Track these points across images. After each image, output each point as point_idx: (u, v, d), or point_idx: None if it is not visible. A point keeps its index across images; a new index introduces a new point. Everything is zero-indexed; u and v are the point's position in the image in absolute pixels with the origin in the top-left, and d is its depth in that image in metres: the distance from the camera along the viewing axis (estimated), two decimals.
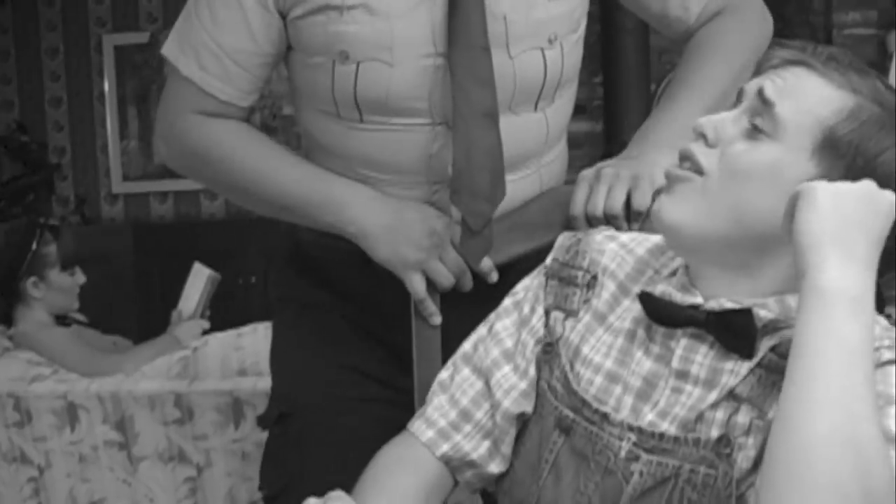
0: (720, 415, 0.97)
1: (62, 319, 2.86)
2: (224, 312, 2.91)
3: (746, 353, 0.97)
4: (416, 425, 1.15)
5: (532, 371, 1.11)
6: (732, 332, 0.97)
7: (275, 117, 5.69)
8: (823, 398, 0.81)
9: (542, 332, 1.13)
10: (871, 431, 0.81)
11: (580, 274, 1.14)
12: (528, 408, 1.10)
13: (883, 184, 0.93)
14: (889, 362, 0.90)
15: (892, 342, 0.93)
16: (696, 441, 0.96)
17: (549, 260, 1.18)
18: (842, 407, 0.81)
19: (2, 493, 2.29)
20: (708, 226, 0.99)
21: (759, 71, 1.04)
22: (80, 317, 2.99)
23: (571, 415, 1.04)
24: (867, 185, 0.91)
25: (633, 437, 0.99)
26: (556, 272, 1.16)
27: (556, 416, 1.05)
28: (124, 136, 5.77)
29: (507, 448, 1.11)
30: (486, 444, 1.11)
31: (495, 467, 1.12)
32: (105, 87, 5.77)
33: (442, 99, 1.29)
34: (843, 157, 0.97)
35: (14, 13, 5.87)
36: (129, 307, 5.03)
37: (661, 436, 0.98)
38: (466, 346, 1.18)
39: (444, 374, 1.18)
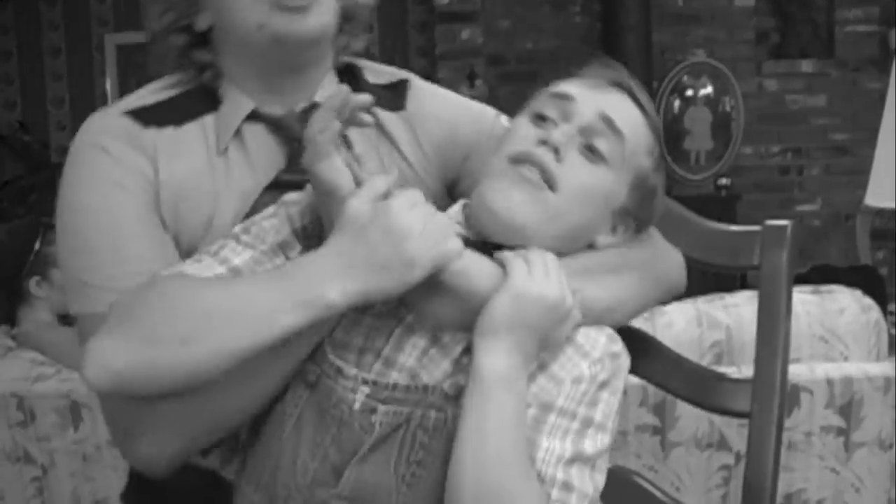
0: (446, 361, 1.03)
1: (66, 319, 2.86)
2: None
3: None
4: None
5: None
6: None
7: None
8: (473, 458, 0.96)
9: None
10: (510, 492, 0.96)
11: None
12: None
13: (650, 223, 1.12)
14: (603, 385, 1.02)
15: (610, 363, 1.03)
16: (426, 388, 1.01)
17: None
18: (488, 469, 0.96)
19: (5, 493, 2.30)
20: (545, 232, 1.04)
21: (583, 77, 1.13)
22: None
23: (317, 369, 1.05)
24: (558, 292, 0.99)
25: (367, 390, 1.02)
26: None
27: (304, 371, 1.06)
28: None
29: None
30: None
31: None
32: (107, 87, 5.77)
33: None
34: (644, 194, 1.10)
35: (16, 13, 5.87)
36: None
37: (394, 386, 1.02)
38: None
39: None
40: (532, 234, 1.03)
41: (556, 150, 1.04)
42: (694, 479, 1.90)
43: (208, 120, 1.20)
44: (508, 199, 1.04)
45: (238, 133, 1.19)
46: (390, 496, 1.00)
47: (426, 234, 0.98)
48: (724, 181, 5.17)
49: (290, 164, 1.18)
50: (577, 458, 1.00)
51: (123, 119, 1.17)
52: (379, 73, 1.31)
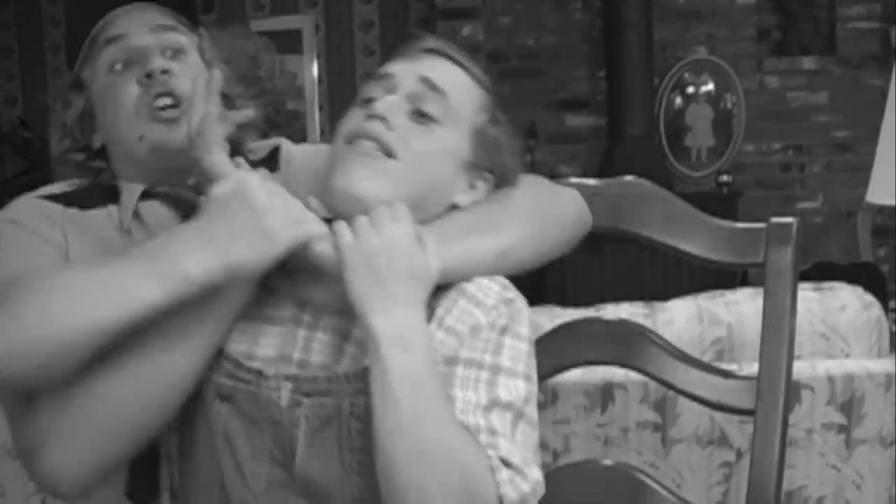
0: (351, 346, 1.05)
1: None
2: None
3: None
4: None
5: None
6: None
7: (278, 112, 5.69)
8: (394, 425, 0.95)
9: None
10: (443, 445, 0.95)
11: None
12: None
13: (509, 173, 1.15)
14: (504, 330, 1.04)
15: (505, 308, 1.06)
16: (346, 376, 1.03)
17: None
18: (413, 431, 0.95)
19: (7, 490, 2.30)
20: (396, 199, 1.06)
21: (404, 57, 1.15)
22: None
23: (229, 382, 1.06)
24: (389, 237, 1.01)
25: (290, 385, 1.04)
26: None
27: (215, 389, 1.07)
28: None
29: None
30: None
31: None
32: None
33: None
34: (488, 145, 1.14)
35: (17, 10, 5.87)
36: None
37: (315, 378, 1.04)
38: None
39: None
40: (384, 203, 1.05)
41: (383, 119, 1.08)
42: (695, 475, 1.91)
43: (112, 208, 1.30)
44: (352, 177, 1.07)
45: (137, 214, 1.27)
46: (344, 487, 1.01)
47: (285, 211, 1.03)
48: (725, 178, 5.16)
49: None
50: (495, 405, 1.01)
51: (36, 200, 1.30)
52: (256, 151, 1.40)
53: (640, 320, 1.93)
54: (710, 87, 5.36)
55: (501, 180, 1.17)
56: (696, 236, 1.27)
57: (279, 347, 1.07)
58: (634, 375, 1.87)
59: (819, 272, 4.49)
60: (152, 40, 1.30)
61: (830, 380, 1.86)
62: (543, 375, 1.33)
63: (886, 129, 2.02)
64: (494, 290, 1.08)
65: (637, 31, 5.07)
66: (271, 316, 1.10)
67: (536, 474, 1.00)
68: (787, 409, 1.23)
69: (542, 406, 1.91)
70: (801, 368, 1.88)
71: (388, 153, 1.08)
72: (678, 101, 5.37)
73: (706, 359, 1.87)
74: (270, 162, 1.37)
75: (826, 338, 1.96)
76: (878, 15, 5.29)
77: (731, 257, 1.27)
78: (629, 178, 1.32)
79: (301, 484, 1.04)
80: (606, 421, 1.91)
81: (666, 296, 2.10)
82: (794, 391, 1.86)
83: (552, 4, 5.45)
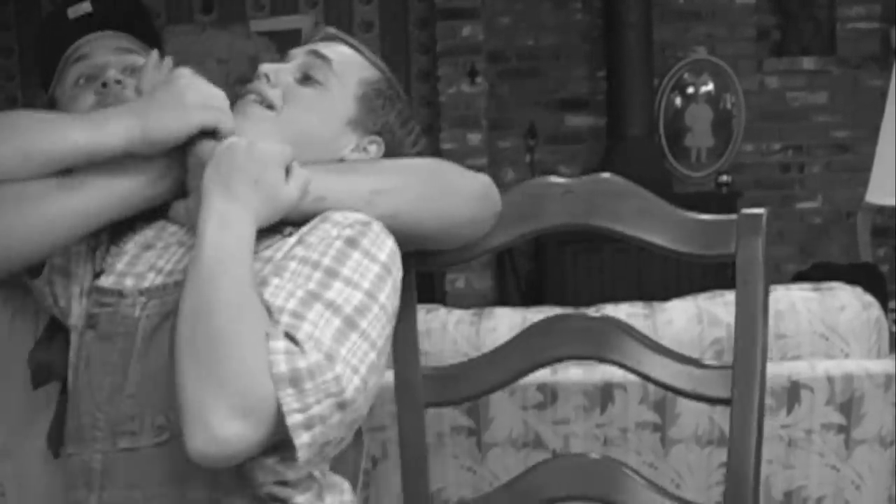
0: None
1: None
2: None
3: None
4: None
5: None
6: None
7: None
8: (189, 284, 1.02)
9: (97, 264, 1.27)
10: (221, 306, 0.99)
11: None
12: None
13: (402, 144, 1.27)
14: (352, 242, 1.08)
15: (360, 226, 1.11)
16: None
17: None
18: (201, 289, 1.01)
19: (6, 489, 2.30)
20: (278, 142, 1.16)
21: (304, 43, 1.29)
22: None
23: (96, 309, 1.19)
24: (252, 146, 1.10)
25: (144, 299, 1.15)
26: None
27: (84, 319, 1.20)
28: None
29: None
30: None
31: None
32: None
33: None
34: (373, 110, 1.26)
35: (17, 10, 5.87)
36: None
37: (165, 286, 1.15)
38: None
39: None
40: None
41: (267, 78, 1.22)
42: (694, 475, 1.91)
43: None
44: (241, 127, 1.18)
45: None
46: (171, 376, 1.02)
47: (204, 95, 1.17)
48: (724, 178, 5.16)
49: None
50: (316, 299, 1.02)
51: None
52: None
53: (640, 321, 1.94)
54: (710, 87, 5.36)
55: (395, 152, 1.27)
56: (667, 229, 1.28)
57: (149, 262, 1.20)
58: (634, 376, 1.88)
59: (818, 272, 4.50)
60: (113, 59, 1.46)
61: (830, 380, 1.86)
62: (524, 372, 1.34)
63: (886, 130, 2.02)
64: (355, 216, 1.13)
65: (637, 32, 5.07)
66: (148, 241, 1.24)
67: (339, 370, 0.99)
68: (763, 398, 1.24)
69: (541, 406, 1.92)
70: (800, 369, 1.88)
71: (269, 105, 1.21)
72: (678, 101, 5.37)
73: (706, 359, 1.88)
74: None
75: (825, 338, 1.96)
76: (878, 15, 5.29)
77: (704, 249, 1.27)
78: (603, 174, 1.34)
79: (132, 385, 1.11)
80: (606, 421, 1.91)
81: (665, 296, 2.10)
82: (793, 391, 1.87)
83: (552, 4, 5.45)
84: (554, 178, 1.35)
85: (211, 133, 1.16)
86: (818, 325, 1.96)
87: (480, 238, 1.31)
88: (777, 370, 1.87)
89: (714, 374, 1.26)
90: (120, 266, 1.22)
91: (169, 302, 1.11)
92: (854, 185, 5.10)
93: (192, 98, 1.16)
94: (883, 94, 2.35)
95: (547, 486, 1.32)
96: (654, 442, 1.91)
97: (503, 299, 5.31)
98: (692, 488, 1.89)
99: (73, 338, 1.24)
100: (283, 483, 1.07)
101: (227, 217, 1.05)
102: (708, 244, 1.27)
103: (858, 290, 2.03)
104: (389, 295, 1.09)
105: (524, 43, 5.47)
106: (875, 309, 2.00)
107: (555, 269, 4.96)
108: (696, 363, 1.29)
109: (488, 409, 1.93)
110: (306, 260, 1.06)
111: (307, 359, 0.97)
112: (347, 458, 1.18)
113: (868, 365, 1.89)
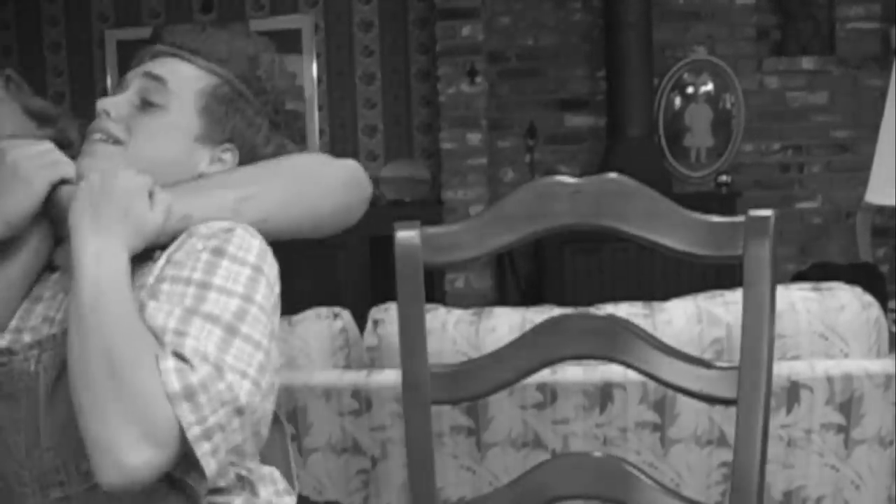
0: None
1: None
2: None
3: None
4: None
5: None
6: None
7: (277, 112, 5.69)
8: (74, 321, 1.04)
9: None
10: (110, 336, 1.01)
11: None
12: None
13: (257, 146, 1.29)
14: (218, 251, 1.10)
15: (223, 234, 1.12)
16: None
17: None
18: (87, 325, 1.02)
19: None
20: None
21: (137, 63, 1.30)
22: None
23: None
24: (114, 179, 1.10)
25: (36, 352, 1.14)
26: None
27: None
28: None
29: None
30: None
31: None
32: (108, 83, 5.77)
33: None
34: (217, 120, 1.27)
35: (16, 9, 5.87)
36: None
37: (54, 337, 1.13)
38: None
39: None
40: None
41: (107, 113, 1.23)
42: (694, 475, 1.91)
43: None
44: (92, 167, 1.18)
45: None
46: None
47: (39, 158, 1.15)
48: (724, 178, 5.16)
49: None
50: (193, 314, 1.05)
51: None
52: None
53: (640, 320, 1.94)
54: (710, 87, 5.36)
55: (251, 154, 1.29)
56: (675, 230, 1.28)
57: (44, 315, 1.19)
58: (633, 375, 1.88)
59: (818, 272, 4.50)
60: None
61: (829, 380, 1.86)
62: (530, 370, 1.34)
63: (886, 130, 2.02)
64: (219, 225, 1.14)
65: (636, 32, 5.07)
66: (43, 295, 1.22)
67: (229, 378, 1.02)
68: (769, 399, 1.24)
69: (541, 406, 1.92)
70: (800, 369, 1.88)
71: (115, 141, 1.22)
72: (677, 101, 5.37)
73: (705, 358, 1.87)
74: None
75: (825, 338, 1.96)
76: (878, 15, 5.29)
77: (711, 250, 1.27)
78: (612, 174, 1.33)
79: (48, 438, 1.10)
80: (605, 421, 1.91)
81: (665, 296, 2.10)
82: (792, 391, 1.86)
83: (552, 4, 5.45)
84: (562, 178, 1.34)
85: (59, 181, 1.17)
86: (818, 325, 1.96)
87: (354, 223, 1.36)
88: (777, 370, 1.86)
89: (720, 374, 1.26)
90: (14, 323, 1.20)
91: (63, 351, 1.09)
92: (854, 185, 5.10)
93: (27, 168, 1.14)
94: (882, 94, 2.35)
95: (553, 485, 1.32)
96: (653, 442, 1.91)
97: (503, 299, 5.31)
98: (691, 488, 1.89)
99: None
100: (218, 491, 1.11)
101: (101, 252, 1.06)
102: (716, 246, 1.27)
103: (858, 290, 2.03)
104: (265, 293, 1.11)
105: (524, 43, 5.47)
106: (874, 309, 2.00)
107: (554, 268, 4.96)
108: (702, 363, 1.29)
109: (488, 408, 1.93)
110: (177, 278, 1.09)
111: (197, 373, 1.00)
112: (274, 444, 1.23)
113: (867, 365, 1.89)
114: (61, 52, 5.89)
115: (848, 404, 1.86)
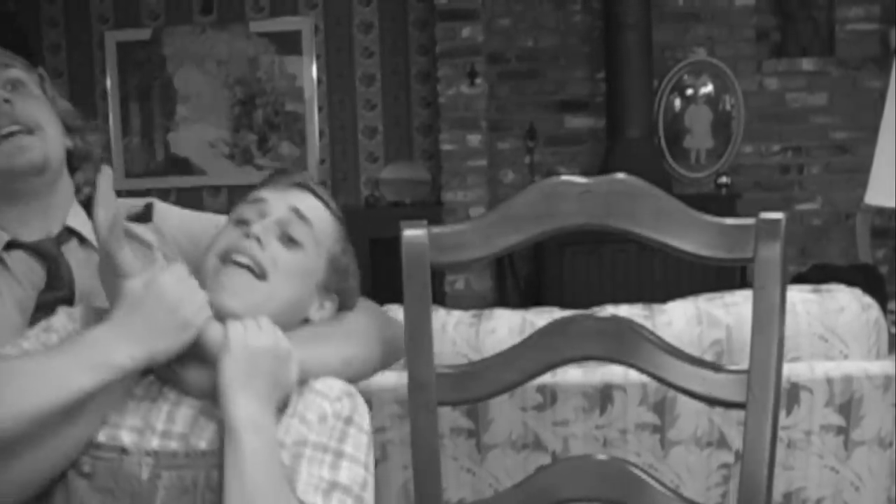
0: (211, 423, 1.19)
1: None
2: None
3: None
4: None
5: None
6: None
7: (277, 114, 5.70)
8: (238, 493, 1.11)
9: None
10: None
11: None
12: None
13: (351, 296, 1.38)
14: (348, 420, 1.22)
15: (347, 399, 1.23)
16: (203, 452, 1.18)
17: None
18: (253, 497, 1.11)
19: None
20: (263, 313, 1.24)
21: (268, 184, 1.34)
22: None
23: (90, 459, 1.18)
24: (273, 340, 1.18)
25: (151, 461, 1.17)
26: None
27: (76, 464, 1.18)
28: (126, 132, 5.78)
29: None
30: None
31: None
32: (107, 84, 5.77)
33: None
34: (339, 271, 1.34)
35: (16, 9, 5.87)
36: None
37: (174, 454, 1.17)
38: None
39: None
40: (253, 315, 1.22)
41: (258, 240, 1.25)
42: (693, 477, 1.91)
43: None
44: (228, 293, 1.23)
45: (2, 261, 1.41)
46: None
47: (192, 301, 1.17)
48: (724, 180, 5.17)
49: (50, 282, 1.40)
50: (335, 488, 1.17)
51: None
52: (124, 204, 1.52)
53: (640, 322, 1.93)
54: (710, 88, 5.36)
55: (344, 303, 1.37)
56: (686, 233, 1.27)
57: (144, 418, 1.20)
58: (633, 377, 1.88)
59: (818, 273, 4.50)
60: None
61: (829, 381, 1.86)
62: (536, 372, 1.34)
63: (885, 131, 2.02)
64: (338, 386, 1.25)
65: (636, 33, 5.07)
66: (136, 393, 1.23)
67: None
68: (778, 402, 1.24)
69: (540, 407, 1.92)
70: (799, 370, 1.88)
71: (260, 273, 1.25)
72: (677, 102, 5.37)
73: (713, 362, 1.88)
74: (144, 216, 1.52)
75: (825, 339, 1.96)
76: (877, 16, 5.29)
77: (722, 253, 1.28)
78: (620, 175, 1.33)
79: None
80: (605, 422, 1.91)
81: (665, 297, 2.10)
82: (792, 393, 1.86)
83: (552, 6, 5.45)
84: (570, 178, 1.34)
85: None
86: (817, 326, 1.96)
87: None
88: None
89: (729, 377, 1.26)
90: (112, 418, 1.21)
91: (187, 477, 1.16)
92: (853, 187, 5.10)
93: (185, 313, 1.17)
94: (882, 95, 2.35)
95: (557, 488, 1.32)
96: (653, 443, 1.91)
97: (502, 300, 5.31)
98: (691, 490, 1.89)
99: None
100: None
101: (258, 420, 1.14)
102: (726, 248, 1.27)
103: (857, 292, 2.03)
104: (371, 453, 1.25)
105: (524, 44, 5.47)
106: (874, 310, 2.00)
107: (554, 270, 4.96)
108: (711, 366, 1.28)
109: (487, 410, 1.93)
110: (317, 445, 1.19)
111: None
112: None
113: (867, 366, 1.89)
114: (61, 53, 5.89)
115: (847, 406, 1.86)
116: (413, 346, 1.34)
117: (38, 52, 5.72)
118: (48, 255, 1.42)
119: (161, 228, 1.52)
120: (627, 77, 5.07)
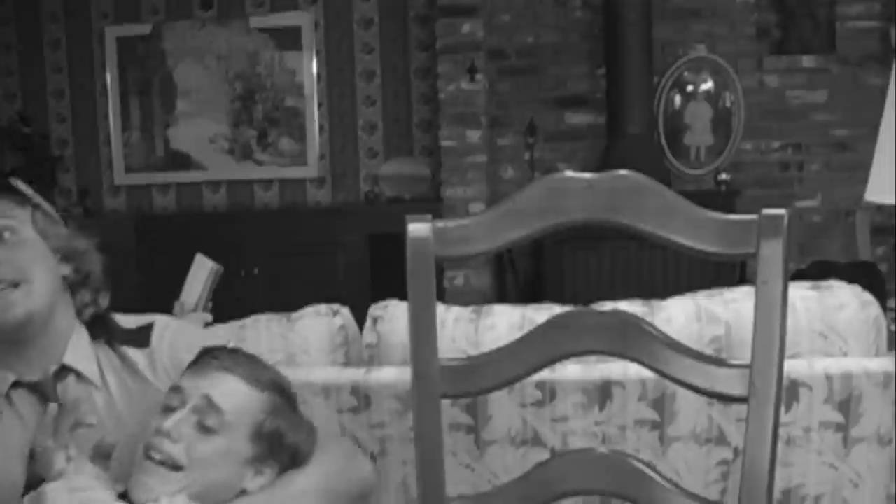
0: None
1: None
2: (225, 304, 2.92)
3: None
4: None
5: None
6: None
7: (277, 109, 5.69)
8: None
9: None
10: None
11: None
12: None
13: (298, 453, 1.38)
14: None
15: None
16: None
17: None
18: None
19: None
20: (179, 495, 1.29)
21: (193, 369, 1.36)
22: None
23: None
24: None
25: None
26: None
27: None
28: (126, 127, 5.77)
29: None
30: None
31: None
32: (107, 79, 5.77)
33: None
34: (269, 438, 1.35)
35: (16, 5, 5.87)
36: (131, 299, 5.04)
37: None
38: None
39: None
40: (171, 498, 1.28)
41: (168, 435, 1.30)
42: (692, 473, 1.91)
43: None
44: (140, 490, 1.29)
45: (9, 398, 1.45)
46: None
47: None
48: (724, 176, 5.16)
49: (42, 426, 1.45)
50: None
51: None
52: (128, 321, 1.57)
53: None
54: (710, 85, 5.36)
55: (294, 459, 1.38)
56: (689, 228, 1.27)
57: None
58: (633, 373, 1.88)
59: (817, 271, 4.49)
60: None
61: (828, 378, 1.86)
62: (541, 365, 1.34)
63: (885, 128, 2.02)
64: None
65: (637, 29, 5.06)
66: None
67: None
68: (780, 397, 1.24)
69: (540, 403, 1.92)
70: (798, 367, 1.88)
71: (174, 466, 1.29)
72: (677, 99, 5.37)
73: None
74: (142, 335, 1.53)
75: (824, 336, 1.96)
76: (878, 14, 5.29)
77: (725, 248, 1.28)
78: (623, 171, 1.33)
79: None
80: (604, 419, 1.91)
81: (665, 294, 2.10)
82: (791, 390, 1.86)
83: (552, 2, 5.45)
84: (574, 173, 1.34)
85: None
86: (817, 323, 1.96)
87: None
88: None
89: (731, 372, 1.26)
90: None
91: None
92: (853, 184, 5.09)
93: None
94: (882, 93, 2.35)
95: (559, 481, 1.32)
96: (652, 440, 1.91)
97: (502, 297, 5.31)
98: (690, 486, 1.89)
99: None
100: None
101: None
102: (729, 244, 1.27)
103: (857, 289, 2.03)
104: None
105: (524, 40, 5.46)
106: (874, 307, 2.00)
107: (553, 266, 4.96)
108: (714, 361, 1.28)
109: (487, 406, 1.93)
110: None
111: None
112: None
113: (867, 363, 1.89)
114: (61, 48, 5.88)
115: (847, 403, 1.86)
116: (417, 339, 1.34)
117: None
118: (45, 394, 1.45)
119: (154, 354, 1.52)
120: (628, 73, 5.06)
